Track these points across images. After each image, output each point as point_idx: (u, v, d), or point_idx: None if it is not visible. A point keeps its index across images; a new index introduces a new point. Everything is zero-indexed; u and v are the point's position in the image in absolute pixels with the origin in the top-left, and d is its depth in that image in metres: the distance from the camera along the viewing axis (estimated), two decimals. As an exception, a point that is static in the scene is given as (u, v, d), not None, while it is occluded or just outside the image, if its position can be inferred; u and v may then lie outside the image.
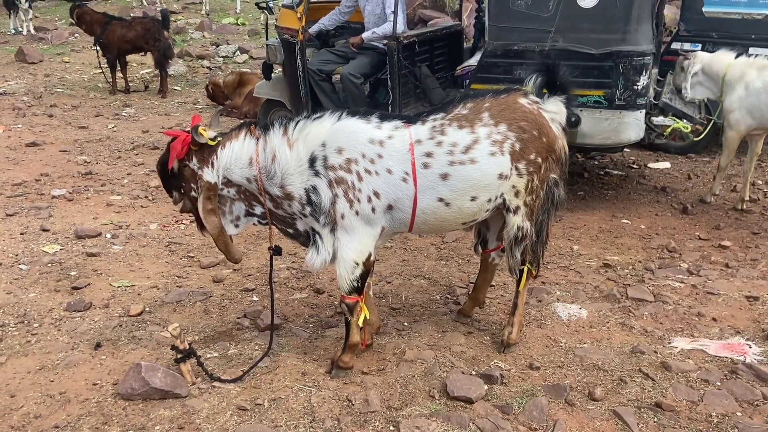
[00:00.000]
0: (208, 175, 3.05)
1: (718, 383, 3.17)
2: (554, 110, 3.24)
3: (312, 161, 2.98)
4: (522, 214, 3.21)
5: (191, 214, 3.32)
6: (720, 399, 3.04)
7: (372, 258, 3.11)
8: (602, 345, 3.53)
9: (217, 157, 3.05)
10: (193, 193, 3.14)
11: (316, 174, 2.98)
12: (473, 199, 3.08)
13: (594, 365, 3.32)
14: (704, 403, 3.02)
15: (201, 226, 3.22)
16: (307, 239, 3.17)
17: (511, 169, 3.10)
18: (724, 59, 5.40)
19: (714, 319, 3.82)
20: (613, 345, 3.53)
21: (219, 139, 3.07)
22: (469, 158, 3.01)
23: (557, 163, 3.26)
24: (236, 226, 3.23)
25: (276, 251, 3.30)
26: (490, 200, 3.14)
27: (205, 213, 3.05)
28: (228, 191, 3.14)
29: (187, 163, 3.07)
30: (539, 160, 3.15)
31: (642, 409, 2.98)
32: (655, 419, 2.92)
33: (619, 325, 3.75)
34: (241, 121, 7.02)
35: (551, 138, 3.18)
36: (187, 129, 3.10)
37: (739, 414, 2.96)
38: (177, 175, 3.12)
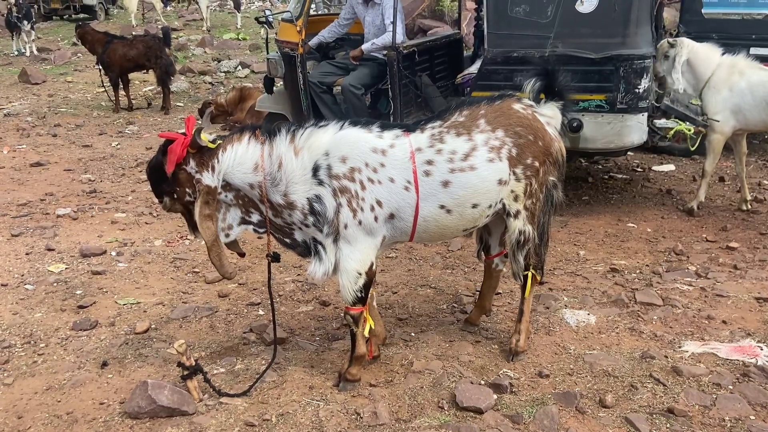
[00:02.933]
0: (208, 178, 2.98)
1: (731, 387, 3.13)
2: (549, 115, 3.26)
3: (315, 170, 2.97)
4: (523, 218, 3.20)
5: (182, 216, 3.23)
6: (733, 403, 3.00)
7: (374, 267, 3.09)
8: (612, 351, 3.50)
9: (218, 161, 2.98)
10: (187, 198, 3.05)
11: (320, 183, 2.96)
12: (474, 206, 3.08)
13: (604, 372, 3.28)
14: (717, 407, 2.98)
15: (194, 229, 3.15)
16: (305, 250, 3.14)
17: (510, 174, 3.10)
18: (712, 58, 5.31)
19: (724, 322, 3.78)
20: (623, 350, 3.50)
21: (219, 142, 3.01)
22: (468, 165, 3.02)
23: (554, 166, 3.26)
24: (227, 235, 3.12)
25: (274, 258, 3.23)
26: (490, 206, 3.14)
27: (201, 218, 2.96)
28: (225, 195, 3.06)
29: (184, 166, 2.99)
30: (536, 164, 3.15)
31: (654, 415, 2.94)
32: (668, 425, 2.88)
33: (628, 330, 3.72)
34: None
35: (547, 142, 3.18)
36: (182, 131, 3.05)
37: (752, 417, 2.92)
38: (171, 179, 3.01)
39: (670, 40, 5.37)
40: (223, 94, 9.58)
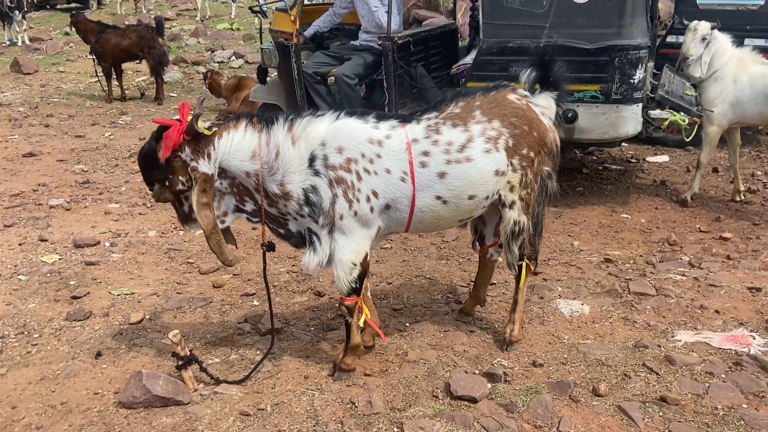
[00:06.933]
0: (204, 166, 2.95)
1: (723, 375, 3.16)
2: (544, 105, 3.26)
3: (311, 160, 2.95)
4: (518, 209, 3.21)
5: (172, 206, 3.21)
6: (725, 391, 3.02)
7: (368, 258, 3.09)
8: (605, 340, 3.52)
9: (214, 148, 2.95)
10: (179, 186, 3.02)
11: (316, 173, 2.95)
12: (471, 197, 3.08)
13: (597, 361, 3.30)
14: (709, 395, 3.01)
15: (184, 219, 3.15)
16: (300, 240, 3.13)
17: (507, 165, 3.10)
18: (728, 50, 5.29)
19: (717, 312, 3.80)
20: (616, 340, 3.52)
21: (215, 129, 2.98)
22: (464, 156, 3.02)
23: (549, 156, 3.27)
24: (222, 222, 3.10)
25: (269, 247, 3.22)
26: (487, 197, 3.14)
27: (199, 206, 2.94)
28: (221, 183, 3.04)
29: (179, 153, 2.96)
30: (531, 154, 3.15)
31: (647, 404, 2.96)
32: (661, 413, 2.90)
33: (621, 320, 3.74)
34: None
35: (542, 132, 3.18)
36: (177, 117, 3.02)
37: (744, 406, 2.94)
38: (165, 166, 2.99)
39: (701, 24, 5.25)
40: (225, 77, 9.65)
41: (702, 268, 4.38)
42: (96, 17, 14.23)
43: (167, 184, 3.05)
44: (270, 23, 6.98)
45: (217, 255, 3.10)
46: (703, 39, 5.25)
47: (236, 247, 3.41)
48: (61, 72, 12.68)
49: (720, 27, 5.31)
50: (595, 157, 7.14)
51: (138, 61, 10.48)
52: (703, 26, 5.27)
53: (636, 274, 4.34)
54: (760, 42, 6.38)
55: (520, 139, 3.11)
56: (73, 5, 20.41)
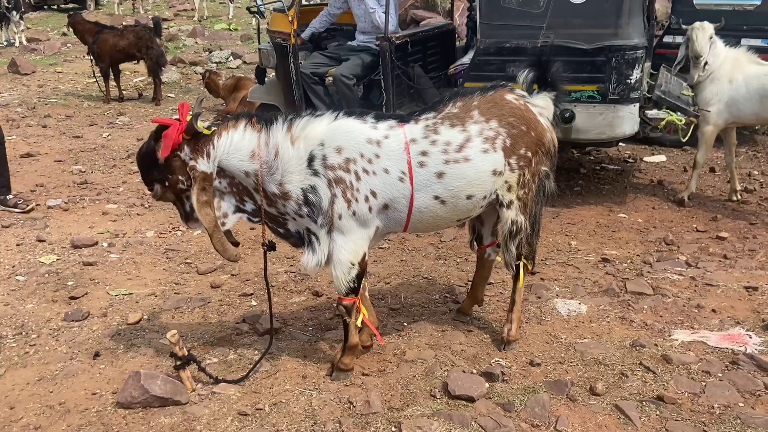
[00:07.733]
0: (203, 165, 2.95)
1: (720, 374, 3.17)
2: (542, 105, 3.27)
3: (310, 160, 2.96)
4: (515, 209, 3.22)
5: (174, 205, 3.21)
6: (722, 390, 3.03)
7: (366, 258, 3.10)
8: (602, 340, 3.53)
9: (213, 147, 2.95)
10: (179, 186, 3.02)
11: (315, 173, 2.95)
12: (469, 197, 3.09)
13: (595, 360, 3.31)
14: (706, 394, 3.02)
15: (186, 218, 3.15)
16: (299, 240, 3.13)
17: (504, 164, 3.11)
18: (722, 51, 5.32)
19: (713, 311, 3.82)
20: (614, 339, 3.53)
21: (214, 128, 2.99)
22: (463, 156, 3.02)
23: (547, 156, 3.28)
24: (222, 224, 3.09)
25: (270, 247, 3.22)
26: (484, 197, 3.15)
27: (199, 205, 2.94)
28: (220, 182, 3.04)
29: (178, 153, 2.96)
30: (529, 154, 3.16)
31: (644, 403, 2.97)
32: (657, 412, 2.91)
33: (618, 320, 3.75)
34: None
35: (539, 132, 3.19)
36: (176, 117, 3.03)
37: (741, 405, 2.95)
38: (164, 166, 2.99)
39: (704, 26, 5.28)
40: (222, 77, 9.67)
41: (699, 268, 4.40)
42: (93, 18, 14.22)
43: (166, 183, 3.05)
44: (268, 24, 6.98)
45: (221, 252, 3.09)
46: (710, 38, 5.28)
47: (238, 245, 3.41)
48: (59, 72, 12.66)
49: (723, 26, 5.34)
50: (592, 157, 7.16)
51: (136, 61, 10.46)
52: (707, 26, 5.29)
53: (633, 273, 4.35)
54: (757, 42, 6.40)
55: (518, 139, 3.12)
56: (70, 6, 20.39)
